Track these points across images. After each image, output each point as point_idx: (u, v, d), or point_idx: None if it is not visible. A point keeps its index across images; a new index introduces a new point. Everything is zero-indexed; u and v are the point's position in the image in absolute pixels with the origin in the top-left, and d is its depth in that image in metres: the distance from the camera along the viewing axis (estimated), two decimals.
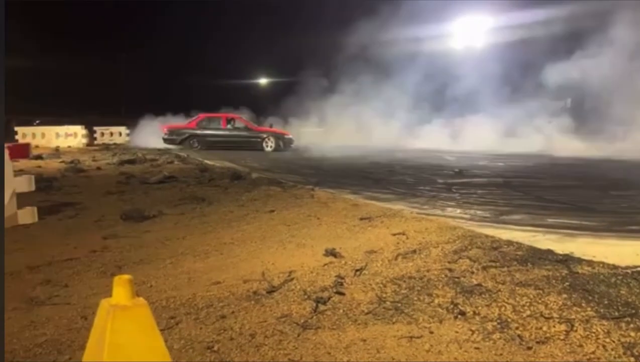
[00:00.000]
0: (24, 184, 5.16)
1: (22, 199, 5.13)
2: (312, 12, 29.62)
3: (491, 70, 21.50)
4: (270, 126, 20.17)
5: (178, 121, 21.64)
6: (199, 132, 18.38)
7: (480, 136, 19.52)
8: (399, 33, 24.28)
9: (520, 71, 20.90)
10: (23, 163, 11.92)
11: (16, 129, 21.97)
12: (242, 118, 19.75)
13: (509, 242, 3.77)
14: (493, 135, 19.72)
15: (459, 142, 20.05)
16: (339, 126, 22.91)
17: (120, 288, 1.29)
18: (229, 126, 18.60)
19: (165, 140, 18.51)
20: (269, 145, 18.29)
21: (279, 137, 18.66)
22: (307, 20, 29.51)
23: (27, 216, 5.05)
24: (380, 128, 22.48)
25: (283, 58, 30.48)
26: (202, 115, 19.47)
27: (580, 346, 2.18)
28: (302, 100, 25.26)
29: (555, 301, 2.61)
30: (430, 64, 23.69)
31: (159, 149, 17.63)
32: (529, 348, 2.18)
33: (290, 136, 19.11)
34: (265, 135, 18.50)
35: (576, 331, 2.30)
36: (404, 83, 23.14)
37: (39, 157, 13.88)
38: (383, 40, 24.27)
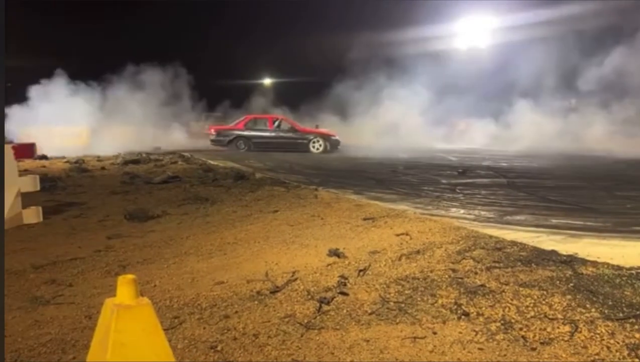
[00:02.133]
0: (29, 183, 5.18)
1: (27, 199, 5.16)
2: (324, 12, 29.50)
3: (532, 67, 20.94)
4: (316, 127, 19.43)
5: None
6: (245, 133, 17.73)
7: (527, 135, 18.99)
8: (434, 30, 24.12)
9: (566, 67, 20.19)
10: (28, 163, 11.99)
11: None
12: (289, 119, 19.10)
13: (513, 243, 3.76)
14: (540, 135, 19.06)
15: (504, 142, 19.51)
16: (362, 126, 22.10)
17: (124, 288, 1.29)
18: (275, 127, 17.95)
19: (213, 142, 17.93)
20: (317, 146, 17.54)
21: (326, 138, 17.88)
22: (326, 20, 29.35)
23: (32, 215, 5.07)
24: (410, 127, 21.74)
25: (296, 59, 30.25)
26: (249, 116, 18.90)
27: (585, 347, 2.18)
28: (316, 101, 24.90)
29: (559, 302, 2.61)
30: (464, 61, 23.42)
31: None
32: (533, 349, 2.18)
33: (337, 137, 18.14)
34: (312, 137, 17.74)
35: (580, 332, 2.29)
36: (433, 81, 22.45)
37: (43, 157, 13.95)
38: (417, 38, 24.08)
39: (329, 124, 20.89)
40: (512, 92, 21.80)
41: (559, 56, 20.51)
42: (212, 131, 18.29)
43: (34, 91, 18.71)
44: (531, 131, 19.49)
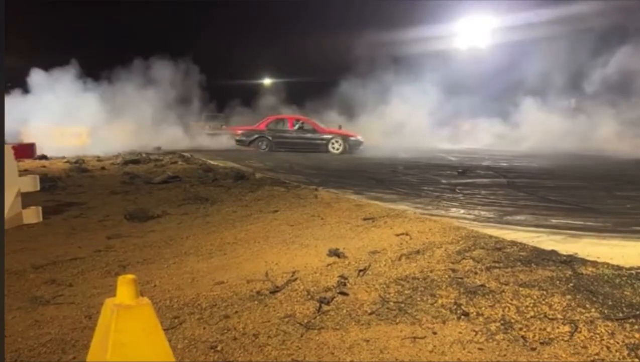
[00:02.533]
0: (29, 183, 5.18)
1: (27, 199, 5.15)
2: (326, 11, 29.49)
3: (537, 66, 20.92)
4: (340, 128, 19.08)
5: None
6: (267, 134, 18.00)
7: (533, 135, 18.96)
8: (442, 29, 24.18)
9: (577, 64, 20.16)
10: (28, 163, 11.99)
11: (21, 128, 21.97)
12: (310, 120, 19.06)
13: (513, 243, 3.76)
14: (546, 135, 19.01)
15: (509, 143, 19.44)
16: (369, 125, 21.85)
17: (124, 288, 1.29)
18: (295, 128, 18.07)
19: (238, 142, 18.31)
20: (336, 147, 17.45)
21: (345, 139, 17.69)
22: (330, 19, 29.32)
23: (32, 215, 5.07)
24: (415, 127, 21.66)
25: (301, 58, 30.15)
26: (271, 117, 19.20)
27: (585, 347, 2.18)
28: (322, 100, 24.74)
29: (559, 302, 2.61)
30: (469, 60, 23.37)
31: None
32: (533, 349, 2.18)
33: (358, 138, 17.89)
34: (331, 137, 17.65)
35: (580, 332, 2.29)
36: (441, 81, 22.45)
37: (43, 157, 13.95)
38: (421, 38, 24.08)
39: (335, 124, 20.86)
40: (517, 92, 21.80)
41: (564, 56, 20.48)
42: (238, 131, 18.70)
43: (37, 77, 18.73)
44: (537, 131, 19.46)
